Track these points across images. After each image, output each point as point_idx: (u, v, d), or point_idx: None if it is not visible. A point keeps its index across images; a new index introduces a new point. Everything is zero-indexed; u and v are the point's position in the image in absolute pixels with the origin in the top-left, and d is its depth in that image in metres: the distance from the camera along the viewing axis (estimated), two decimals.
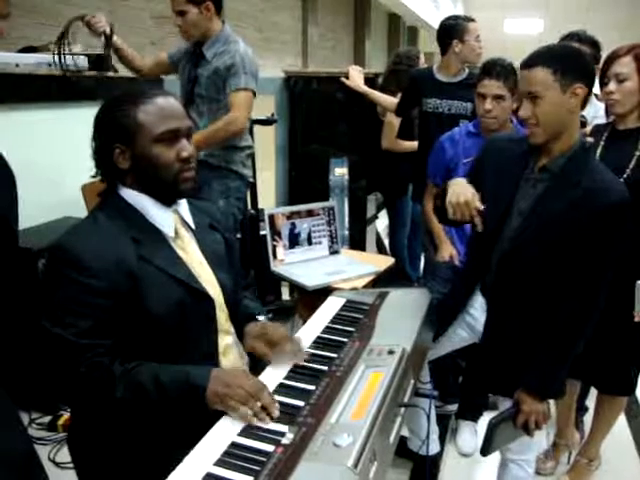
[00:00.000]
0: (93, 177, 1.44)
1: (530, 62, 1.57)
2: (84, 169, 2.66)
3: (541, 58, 1.56)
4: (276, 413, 1.23)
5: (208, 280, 1.47)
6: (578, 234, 1.56)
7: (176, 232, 1.44)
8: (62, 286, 1.27)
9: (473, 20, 3.10)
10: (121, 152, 1.35)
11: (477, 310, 1.84)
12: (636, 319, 1.90)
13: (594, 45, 2.31)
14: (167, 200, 1.42)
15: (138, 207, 1.39)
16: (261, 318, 1.60)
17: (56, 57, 2.53)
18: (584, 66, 1.60)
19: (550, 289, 1.63)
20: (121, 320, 1.29)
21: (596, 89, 2.22)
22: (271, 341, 1.50)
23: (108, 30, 2.60)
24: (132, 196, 1.40)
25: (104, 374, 1.25)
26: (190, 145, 1.41)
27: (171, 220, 1.43)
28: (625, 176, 1.88)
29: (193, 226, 1.50)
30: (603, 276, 1.60)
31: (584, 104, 1.61)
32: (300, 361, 1.46)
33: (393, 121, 3.66)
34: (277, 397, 1.28)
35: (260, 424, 1.21)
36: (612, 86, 1.93)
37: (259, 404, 1.24)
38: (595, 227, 1.54)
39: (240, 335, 1.56)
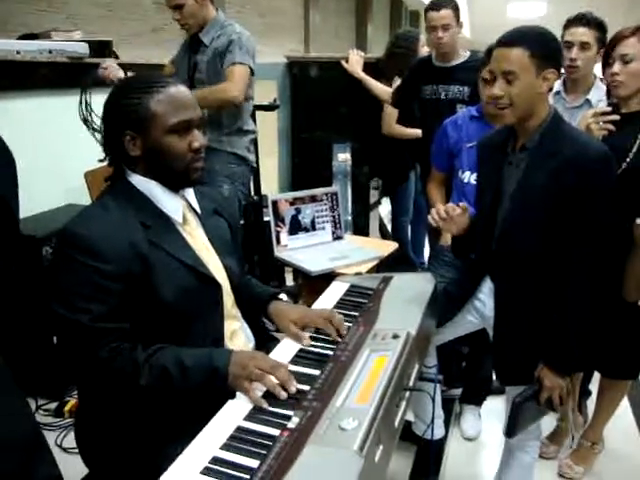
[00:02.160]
0: (101, 161, 1.44)
1: (509, 41, 1.57)
2: (86, 156, 2.66)
3: (520, 38, 1.56)
4: (292, 389, 1.23)
5: (215, 265, 1.48)
6: (565, 202, 1.56)
7: (183, 217, 1.44)
8: (74, 271, 1.26)
9: (436, 8, 2.88)
10: (132, 139, 1.35)
11: (486, 295, 1.84)
12: None
13: (600, 27, 2.27)
14: (176, 187, 1.43)
15: (147, 193, 1.40)
16: (284, 297, 1.62)
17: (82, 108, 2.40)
18: (557, 51, 1.62)
19: (551, 263, 1.63)
20: (132, 304, 1.30)
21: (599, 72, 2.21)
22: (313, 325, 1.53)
23: (122, 74, 2.53)
24: (141, 182, 1.40)
25: (127, 361, 1.26)
26: (201, 135, 1.41)
27: (179, 206, 1.44)
28: (628, 160, 1.87)
29: (199, 211, 1.51)
30: (601, 240, 1.59)
31: (551, 88, 1.63)
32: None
33: (391, 108, 3.64)
34: (266, 407, 1.24)
35: (266, 407, 1.21)
36: (617, 67, 1.90)
37: (275, 380, 1.24)
38: (580, 188, 1.53)
39: (248, 318, 1.57)
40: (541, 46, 1.56)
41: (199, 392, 1.28)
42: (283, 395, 1.23)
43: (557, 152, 1.57)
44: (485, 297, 1.85)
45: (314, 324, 1.53)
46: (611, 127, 1.87)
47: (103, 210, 1.35)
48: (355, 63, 3.80)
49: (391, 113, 3.66)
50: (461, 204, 1.73)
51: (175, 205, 1.43)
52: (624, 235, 1.83)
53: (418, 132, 3.54)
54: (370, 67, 3.86)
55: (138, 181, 1.40)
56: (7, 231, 1.42)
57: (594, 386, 2.45)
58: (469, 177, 2.32)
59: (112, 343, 1.26)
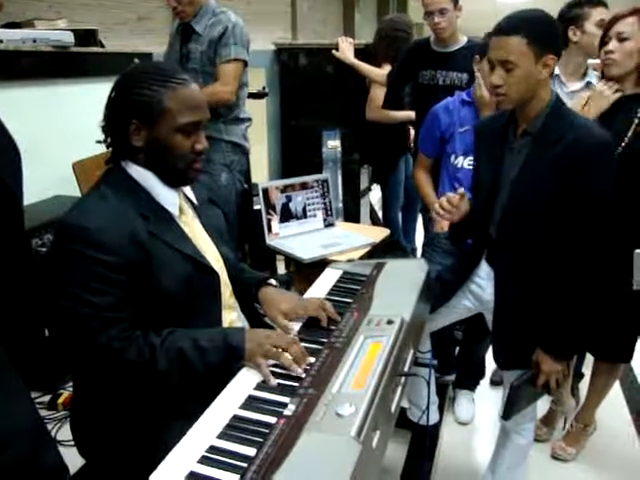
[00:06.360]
0: (99, 142, 1.42)
1: (506, 29, 1.55)
2: (73, 147, 2.62)
3: (517, 25, 1.53)
4: (303, 365, 1.27)
5: (212, 255, 1.48)
6: (567, 188, 1.55)
7: (180, 208, 1.43)
8: (77, 264, 1.25)
9: None
10: (137, 129, 1.33)
11: (484, 279, 1.84)
12: (635, 287, 1.90)
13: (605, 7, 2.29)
14: (173, 184, 1.41)
15: (143, 184, 1.38)
16: (273, 282, 1.62)
17: None
18: (556, 36, 1.60)
19: (552, 249, 1.63)
20: (134, 295, 1.29)
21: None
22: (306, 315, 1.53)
23: None
24: (138, 172, 1.38)
25: (143, 347, 1.26)
26: (204, 137, 1.40)
27: (176, 199, 1.42)
28: (623, 144, 1.87)
29: (196, 202, 1.50)
30: (602, 226, 1.59)
31: (551, 73, 1.62)
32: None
33: (377, 93, 3.61)
34: (278, 370, 1.28)
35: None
36: (612, 45, 1.90)
37: (289, 356, 1.28)
38: (582, 173, 1.53)
39: (241, 305, 1.57)
40: (539, 32, 1.53)
41: (214, 372, 1.28)
42: (299, 371, 1.26)
43: (560, 138, 1.56)
44: (483, 282, 1.84)
45: (307, 313, 1.52)
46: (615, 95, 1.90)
47: (101, 200, 1.32)
48: (346, 50, 3.77)
49: (376, 97, 3.63)
50: (459, 190, 1.72)
51: (171, 198, 1.41)
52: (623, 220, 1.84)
53: (409, 114, 3.52)
54: (359, 54, 3.83)
55: (135, 171, 1.38)
56: (12, 224, 1.40)
57: (587, 369, 2.47)
58: (462, 162, 2.31)
59: (122, 333, 1.26)
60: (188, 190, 1.49)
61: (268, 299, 1.56)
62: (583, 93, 2.19)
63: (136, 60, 2.50)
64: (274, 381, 1.25)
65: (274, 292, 1.59)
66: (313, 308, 1.51)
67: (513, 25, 1.54)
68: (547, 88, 1.62)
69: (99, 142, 1.42)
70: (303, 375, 1.25)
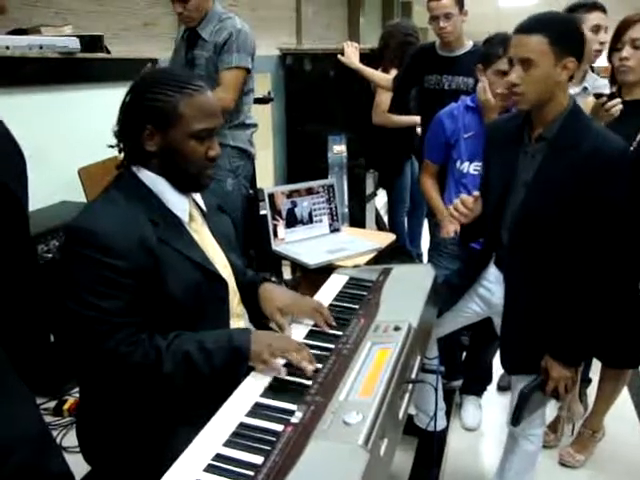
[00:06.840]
0: (111, 146, 1.42)
1: (528, 27, 1.54)
2: (78, 153, 2.62)
3: (540, 25, 1.53)
4: (311, 368, 1.27)
5: (221, 263, 1.48)
6: (583, 195, 1.54)
7: (190, 215, 1.43)
8: (86, 268, 1.25)
9: None
10: (150, 134, 1.33)
11: (493, 283, 1.82)
12: None
13: (604, 12, 2.27)
14: (185, 190, 1.41)
15: (154, 190, 1.37)
16: (272, 279, 1.62)
17: None
18: (578, 40, 1.58)
19: (564, 255, 1.62)
20: (143, 300, 1.29)
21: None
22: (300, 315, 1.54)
23: None
24: (149, 178, 1.38)
25: (149, 350, 1.26)
26: (217, 144, 1.40)
27: (187, 205, 1.42)
28: (632, 149, 1.85)
29: (205, 209, 1.50)
30: (616, 233, 1.57)
31: (571, 77, 1.59)
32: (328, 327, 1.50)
33: (382, 97, 3.60)
34: (285, 377, 1.28)
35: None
36: (627, 51, 1.87)
37: (299, 357, 1.28)
38: (601, 181, 1.52)
39: (252, 316, 1.56)
40: (561, 34, 1.52)
41: (220, 375, 1.28)
42: (310, 369, 1.26)
43: (576, 145, 1.55)
44: (492, 285, 1.83)
45: (301, 313, 1.53)
46: (616, 110, 1.84)
47: (111, 205, 1.32)
48: (351, 55, 3.77)
49: (382, 102, 3.63)
50: (474, 193, 1.71)
51: (182, 204, 1.41)
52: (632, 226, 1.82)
53: (415, 119, 3.51)
54: (364, 59, 3.83)
55: (146, 177, 1.38)
56: (17, 229, 1.39)
57: (594, 375, 2.45)
58: (468, 167, 2.31)
59: (130, 337, 1.26)
60: (197, 197, 1.49)
61: (266, 296, 1.57)
62: (580, 98, 2.18)
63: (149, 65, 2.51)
64: (284, 372, 1.26)
65: (273, 288, 1.61)
66: (309, 310, 1.52)
67: (535, 24, 1.54)
68: (565, 92, 1.60)
69: (111, 146, 1.42)
70: (310, 383, 1.24)
